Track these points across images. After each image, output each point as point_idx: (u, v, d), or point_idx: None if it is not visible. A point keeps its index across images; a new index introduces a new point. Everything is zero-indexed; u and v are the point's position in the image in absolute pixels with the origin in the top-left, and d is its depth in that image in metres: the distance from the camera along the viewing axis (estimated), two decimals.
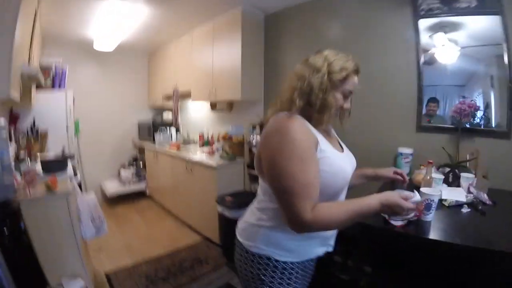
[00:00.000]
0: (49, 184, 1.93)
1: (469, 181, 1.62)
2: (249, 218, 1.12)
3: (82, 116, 4.27)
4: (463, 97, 1.87)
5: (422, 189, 1.22)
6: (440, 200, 1.46)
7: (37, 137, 3.08)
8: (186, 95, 4.04)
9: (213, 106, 4.07)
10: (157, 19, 3.22)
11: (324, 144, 0.97)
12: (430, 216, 1.25)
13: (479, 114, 1.82)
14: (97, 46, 3.78)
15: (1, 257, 1.41)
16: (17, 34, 1.68)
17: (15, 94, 1.84)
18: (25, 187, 1.86)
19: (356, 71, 1.01)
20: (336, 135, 1.21)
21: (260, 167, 1.00)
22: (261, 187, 1.07)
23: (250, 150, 3.13)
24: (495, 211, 1.39)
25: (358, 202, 0.91)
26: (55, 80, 3.42)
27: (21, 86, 2.14)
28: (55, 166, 2.43)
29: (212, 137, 3.94)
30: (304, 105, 0.96)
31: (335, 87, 0.98)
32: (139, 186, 4.82)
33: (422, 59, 2.03)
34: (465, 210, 1.40)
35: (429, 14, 1.98)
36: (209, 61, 3.37)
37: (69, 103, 3.50)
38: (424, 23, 2.00)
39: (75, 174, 2.74)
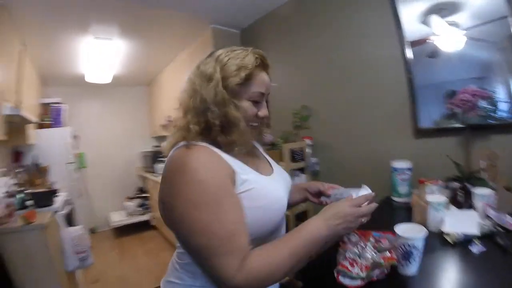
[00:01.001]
0: (25, 217, 2.01)
1: (485, 199, 1.13)
2: (169, 276, 0.81)
3: (88, 149, 4.49)
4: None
5: (396, 228, 0.85)
6: (441, 235, 1.05)
7: (38, 171, 3.25)
8: None
9: None
10: (137, 51, 3.41)
11: (245, 172, 0.74)
12: (412, 269, 0.83)
13: (494, 105, 1.37)
14: (90, 79, 3.98)
15: None
16: None
17: None
18: (4, 218, 1.95)
19: (263, 65, 0.81)
20: (263, 153, 0.99)
21: (165, 217, 0.73)
22: None
23: None
24: None
25: (300, 233, 0.69)
26: (55, 118, 3.64)
27: (7, 126, 2.29)
28: (44, 198, 2.52)
29: None
30: (204, 128, 0.75)
31: (237, 95, 0.76)
32: (145, 217, 4.86)
33: (408, 52, 1.71)
34: (478, 248, 0.92)
35: None
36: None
37: (68, 139, 3.69)
38: (411, 10, 1.68)
39: (67, 206, 2.83)
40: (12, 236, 1.92)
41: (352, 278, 0.82)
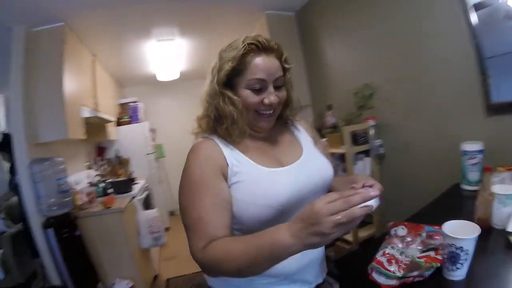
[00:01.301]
0: (105, 202, 2.39)
1: None
2: None
3: (164, 140, 5.00)
4: None
5: (445, 225, 0.74)
6: (507, 235, 0.88)
7: (120, 163, 3.79)
8: None
9: None
10: (198, 47, 3.57)
11: (240, 165, 0.75)
12: (458, 274, 0.73)
13: None
14: (160, 77, 4.32)
15: (60, 255, 1.94)
16: (67, 90, 2.22)
17: (76, 135, 2.40)
18: (86, 204, 2.35)
19: (257, 47, 0.75)
20: (300, 138, 0.91)
21: None
22: None
23: None
24: None
25: (264, 235, 0.59)
26: (132, 115, 4.14)
27: (89, 126, 2.72)
28: (123, 186, 2.94)
29: None
30: (214, 122, 0.80)
31: (233, 86, 0.78)
32: None
33: (472, 17, 1.41)
34: None
35: None
36: None
37: (146, 133, 4.17)
38: None
39: (145, 191, 3.24)
40: (92, 219, 2.31)
41: (387, 276, 0.76)
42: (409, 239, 0.83)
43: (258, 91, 0.77)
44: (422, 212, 1.20)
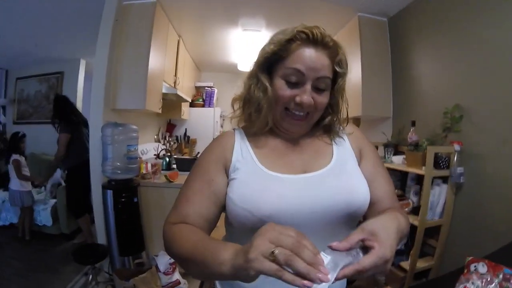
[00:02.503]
0: (168, 176, 2.49)
1: None
2: None
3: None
4: None
5: None
6: None
7: (187, 142, 3.96)
8: None
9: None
10: None
11: (244, 162, 0.71)
12: None
13: None
14: (242, 68, 4.36)
15: (113, 217, 2.05)
16: (151, 65, 2.35)
17: (153, 108, 2.53)
18: (150, 174, 2.48)
19: (307, 37, 0.66)
20: (336, 149, 0.77)
21: None
22: None
23: None
24: None
25: (210, 246, 0.54)
26: (206, 99, 4.29)
27: (166, 103, 2.87)
28: (186, 164, 3.05)
29: None
30: (241, 104, 0.78)
31: (270, 70, 0.71)
32: None
33: None
34: None
35: None
36: None
37: (216, 119, 4.30)
38: None
39: None
40: (153, 189, 2.42)
41: None
42: (488, 278, 0.77)
43: (293, 85, 0.68)
44: (500, 252, 1.06)
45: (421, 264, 1.98)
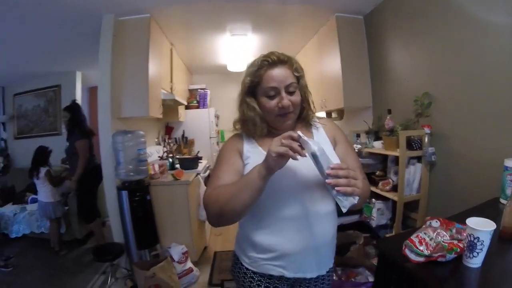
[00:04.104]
0: (175, 174, 2.72)
1: None
2: None
3: (228, 126, 5.29)
4: None
5: (469, 219, 0.87)
6: None
7: (185, 143, 4.18)
8: None
9: (329, 115, 4.18)
10: (269, 42, 3.71)
11: (252, 152, 0.98)
12: (474, 261, 0.86)
13: None
14: (231, 68, 4.51)
15: (129, 215, 2.31)
16: (150, 74, 2.56)
17: (155, 114, 2.75)
18: (158, 174, 2.71)
19: (268, 63, 0.93)
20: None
21: None
22: None
23: None
24: None
25: (245, 177, 0.87)
26: (200, 101, 4.51)
27: (163, 107, 3.08)
28: (188, 163, 3.27)
29: None
30: (240, 124, 1.04)
31: (255, 94, 0.98)
32: None
33: None
34: None
35: None
36: (318, 73, 3.48)
37: (211, 118, 4.51)
38: None
39: (206, 171, 3.55)
40: (162, 187, 2.67)
41: (417, 254, 0.92)
42: (439, 230, 0.94)
43: (272, 97, 0.94)
44: (458, 215, 1.27)
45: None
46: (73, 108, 3.13)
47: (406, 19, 2.38)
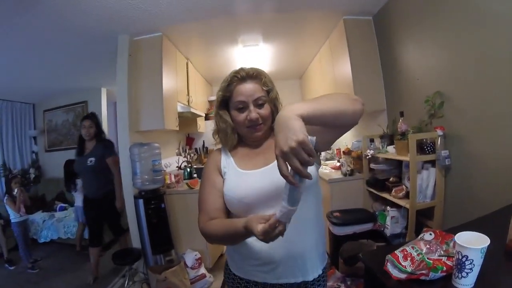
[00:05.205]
0: (189, 184, 2.83)
1: None
2: None
3: None
4: None
5: (459, 235, 0.77)
6: None
7: (206, 153, 4.31)
8: None
9: None
10: (282, 50, 3.79)
11: (228, 167, 1.02)
12: (465, 283, 0.75)
13: None
14: None
15: (145, 222, 2.42)
16: (164, 89, 2.71)
17: (171, 126, 2.89)
18: (174, 183, 2.83)
19: (237, 78, 0.98)
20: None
21: None
22: None
23: (370, 166, 2.76)
24: None
25: (233, 226, 0.87)
26: None
27: (182, 119, 3.21)
28: None
29: (338, 151, 3.93)
30: (216, 135, 1.09)
31: (227, 108, 1.03)
32: None
33: None
34: None
35: None
36: (332, 79, 3.47)
37: None
38: None
39: None
40: (177, 196, 2.78)
41: (400, 270, 0.84)
42: (433, 244, 0.87)
43: (242, 110, 0.98)
44: (467, 224, 1.17)
45: None
46: (95, 116, 2.93)
47: (415, 15, 2.25)
